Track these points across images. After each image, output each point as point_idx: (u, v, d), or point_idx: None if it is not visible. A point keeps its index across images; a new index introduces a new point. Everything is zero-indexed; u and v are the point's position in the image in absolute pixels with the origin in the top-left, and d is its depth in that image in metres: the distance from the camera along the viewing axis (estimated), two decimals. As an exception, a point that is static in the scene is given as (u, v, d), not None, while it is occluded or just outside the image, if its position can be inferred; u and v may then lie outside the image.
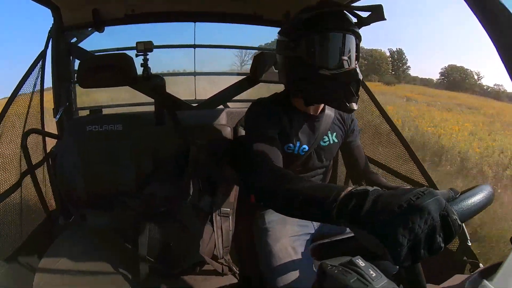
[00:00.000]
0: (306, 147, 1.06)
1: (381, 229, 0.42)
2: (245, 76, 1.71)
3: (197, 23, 1.81)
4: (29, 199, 1.42)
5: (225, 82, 1.75)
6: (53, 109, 1.59)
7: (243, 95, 1.77)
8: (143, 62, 1.49)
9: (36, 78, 1.51)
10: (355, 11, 0.90)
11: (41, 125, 1.57)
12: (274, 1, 1.59)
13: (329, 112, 1.10)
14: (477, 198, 0.53)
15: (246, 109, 1.05)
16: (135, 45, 1.49)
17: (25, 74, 1.40)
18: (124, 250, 1.06)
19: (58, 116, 1.54)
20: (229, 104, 1.88)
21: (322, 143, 1.10)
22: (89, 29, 1.70)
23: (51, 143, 1.55)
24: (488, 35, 0.71)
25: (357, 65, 0.93)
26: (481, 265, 0.98)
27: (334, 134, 1.13)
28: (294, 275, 0.98)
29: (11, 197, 1.22)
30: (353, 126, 1.17)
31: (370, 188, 0.48)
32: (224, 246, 1.14)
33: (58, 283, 1.03)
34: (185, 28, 1.84)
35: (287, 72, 0.98)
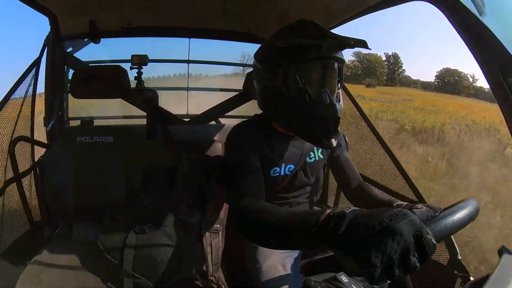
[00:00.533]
0: (292, 166, 1.06)
1: (355, 251, 0.44)
2: (237, 93, 1.74)
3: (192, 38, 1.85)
4: (13, 208, 1.39)
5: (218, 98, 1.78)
6: (44, 117, 1.58)
7: (236, 111, 1.79)
8: (137, 75, 1.51)
9: (29, 85, 1.51)
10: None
11: (30, 133, 1.55)
12: (268, 20, 1.64)
13: None
14: (457, 216, 0.53)
15: (248, 119, 1.06)
16: (130, 58, 1.51)
17: (17, 81, 1.39)
18: (110, 265, 1.05)
19: (50, 125, 1.52)
20: (221, 120, 1.91)
21: (308, 160, 1.10)
22: (85, 39, 1.71)
23: (39, 152, 1.53)
24: (471, 52, 0.77)
25: (339, 91, 0.91)
26: (471, 278, 0.98)
27: (320, 150, 1.13)
28: None
29: None
30: (339, 140, 1.15)
31: (347, 210, 0.50)
32: (214, 263, 1.14)
33: None
34: (180, 43, 1.87)
35: (264, 100, 0.97)
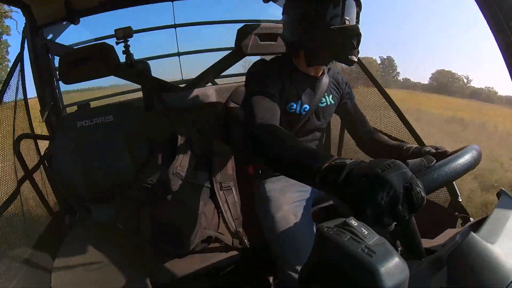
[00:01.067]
0: (307, 106, 1.08)
1: (350, 199, 0.48)
2: (230, 51, 1.65)
3: (175, 2, 1.73)
4: (31, 204, 1.40)
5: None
6: (40, 110, 1.55)
7: (231, 70, 1.72)
8: (124, 49, 1.43)
9: (18, 82, 1.46)
10: None
11: (30, 129, 1.53)
12: None
13: (327, 77, 1.14)
14: (452, 166, 0.54)
15: (235, 84, 1.02)
16: (114, 33, 1.43)
17: (5, 81, 1.36)
18: (130, 239, 1.07)
19: (45, 117, 1.49)
20: (217, 80, 1.83)
21: (320, 104, 1.13)
22: (64, 23, 1.63)
23: (43, 146, 1.51)
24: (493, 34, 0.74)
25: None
26: (471, 219, 1.03)
27: (331, 96, 1.16)
28: (297, 240, 1.01)
29: (13, 205, 1.21)
30: (347, 88, 1.21)
31: (348, 161, 0.53)
32: (235, 218, 1.14)
33: (75, 281, 1.04)
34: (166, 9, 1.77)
35: (294, 29, 1.02)
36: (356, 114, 1.21)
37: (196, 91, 1.63)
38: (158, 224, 1.06)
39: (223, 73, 1.73)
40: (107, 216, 1.16)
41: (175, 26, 1.86)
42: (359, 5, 1.01)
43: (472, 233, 0.49)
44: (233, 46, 1.52)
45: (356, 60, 0.97)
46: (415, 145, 0.99)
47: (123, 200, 1.13)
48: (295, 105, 1.07)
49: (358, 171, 0.49)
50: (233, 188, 1.17)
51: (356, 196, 0.47)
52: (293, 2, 1.03)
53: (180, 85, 1.67)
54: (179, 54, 1.92)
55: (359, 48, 0.96)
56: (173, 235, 1.05)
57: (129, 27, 1.44)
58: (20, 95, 1.48)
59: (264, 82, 0.98)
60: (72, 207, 1.36)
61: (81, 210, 1.29)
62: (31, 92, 1.56)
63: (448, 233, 0.69)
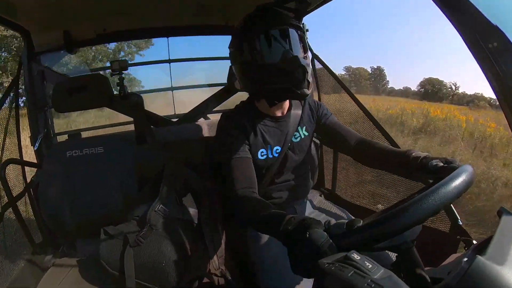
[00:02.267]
0: (278, 148, 1.10)
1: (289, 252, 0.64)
2: (222, 87, 1.71)
3: (171, 38, 1.80)
4: (13, 233, 1.37)
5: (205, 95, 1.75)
6: (29, 137, 1.55)
7: (223, 105, 1.76)
8: (118, 81, 1.47)
9: (10, 106, 1.47)
10: (287, 6, 1.01)
11: (19, 154, 1.52)
12: (245, 11, 1.61)
13: (296, 110, 1.14)
14: (369, 232, 0.54)
15: (235, 106, 1.08)
16: (109, 64, 1.47)
17: None
18: (115, 279, 1.03)
19: (37, 145, 1.49)
20: (209, 115, 1.87)
21: (294, 140, 1.13)
22: (62, 51, 1.67)
23: (30, 173, 1.50)
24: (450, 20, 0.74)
25: (306, 55, 1.00)
26: (474, 241, 0.99)
27: (304, 127, 1.16)
28: (289, 278, 0.99)
29: None
30: (321, 110, 1.20)
31: (291, 226, 0.66)
32: (218, 256, 1.13)
33: None
34: (160, 44, 1.83)
35: (242, 79, 1.06)
36: (341, 129, 1.16)
37: (188, 126, 1.65)
38: (142, 263, 1.03)
39: (216, 108, 1.77)
40: (91, 251, 1.12)
41: (169, 61, 1.92)
42: (299, 29, 0.99)
43: (479, 257, 0.46)
44: (225, 82, 1.58)
45: (308, 93, 0.97)
46: (416, 151, 0.92)
47: (107, 236, 1.10)
48: (265, 151, 1.07)
49: (292, 231, 0.65)
50: (220, 227, 1.16)
51: (289, 252, 0.64)
52: (232, 50, 1.06)
53: (172, 119, 1.70)
54: (172, 88, 1.97)
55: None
56: (158, 274, 1.02)
57: (125, 60, 1.48)
58: (13, 119, 1.49)
59: (231, 147, 1.02)
60: (56, 240, 1.33)
61: (65, 243, 1.26)
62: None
63: (452, 258, 0.67)
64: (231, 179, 0.97)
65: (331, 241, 0.56)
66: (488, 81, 0.71)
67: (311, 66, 1.00)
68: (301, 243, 0.60)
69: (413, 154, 0.89)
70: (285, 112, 1.11)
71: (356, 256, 0.44)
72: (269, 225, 0.76)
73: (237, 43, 1.03)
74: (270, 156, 1.08)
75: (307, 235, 0.59)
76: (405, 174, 0.98)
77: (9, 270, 1.27)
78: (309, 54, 1.05)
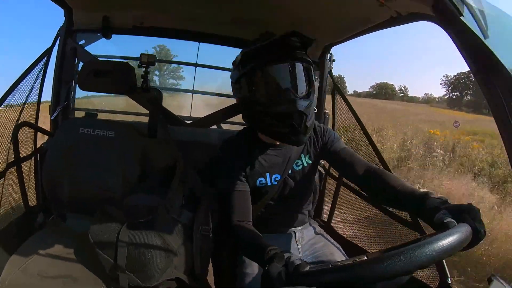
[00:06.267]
0: (278, 176, 1.09)
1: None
2: None
3: (201, 43, 1.88)
4: (11, 191, 1.42)
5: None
6: (49, 106, 1.62)
7: (238, 117, 1.80)
8: (143, 74, 1.54)
9: (38, 74, 1.54)
10: (292, 38, 0.90)
11: (35, 120, 1.58)
12: (275, 31, 1.66)
13: None
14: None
15: (238, 131, 1.10)
16: (139, 56, 1.54)
17: (28, 68, 1.42)
18: (99, 258, 1.05)
19: (55, 115, 1.56)
20: (222, 125, 1.93)
21: (295, 167, 1.12)
22: (97, 34, 1.75)
23: (41, 140, 1.56)
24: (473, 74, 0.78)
25: (311, 90, 0.94)
26: None
27: (308, 155, 1.13)
28: None
29: None
30: (328, 136, 1.14)
31: (272, 265, 0.69)
32: (203, 263, 1.14)
33: (26, 282, 1.01)
34: (190, 46, 1.91)
35: (242, 112, 1.06)
36: (348, 156, 1.09)
37: (200, 130, 1.70)
38: (129, 251, 1.03)
39: (229, 119, 1.82)
40: (80, 228, 1.15)
41: (196, 65, 2.00)
42: (304, 61, 0.92)
43: None
44: None
45: (304, 141, 0.95)
46: (433, 194, 0.82)
47: (102, 216, 1.13)
48: (264, 180, 1.08)
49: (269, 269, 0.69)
50: (210, 235, 1.15)
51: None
52: (232, 83, 1.04)
53: (186, 121, 1.76)
54: (193, 91, 2.04)
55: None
56: (140, 265, 1.03)
57: (154, 55, 1.55)
58: (37, 86, 1.56)
59: (229, 179, 1.05)
60: (49, 208, 1.38)
61: (56, 213, 1.31)
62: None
63: None
64: (227, 209, 1.03)
65: (281, 274, 0.65)
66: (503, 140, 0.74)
67: (314, 103, 0.96)
68: (264, 272, 0.69)
69: (428, 201, 0.78)
70: None
71: None
72: (256, 254, 0.84)
73: (235, 77, 0.99)
74: (269, 183, 1.09)
75: (266, 268, 0.69)
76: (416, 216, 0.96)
77: None
78: (316, 85, 0.98)
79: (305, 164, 1.13)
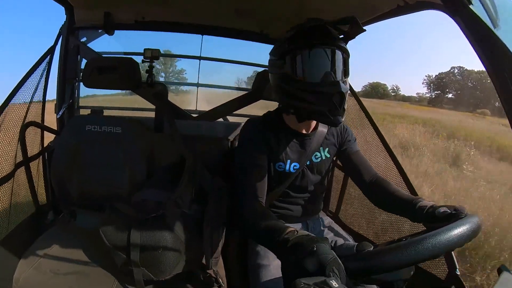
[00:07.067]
0: (297, 164, 1.10)
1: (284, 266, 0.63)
2: (247, 92, 1.75)
3: (204, 36, 1.85)
4: (21, 191, 1.42)
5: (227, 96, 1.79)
6: (55, 104, 1.62)
7: (243, 110, 1.79)
8: (148, 68, 1.53)
9: (42, 72, 1.53)
10: (338, 26, 0.97)
11: (41, 119, 1.58)
12: (280, 21, 1.64)
13: (322, 129, 1.13)
14: (376, 260, 0.55)
15: (263, 114, 1.09)
16: (142, 51, 1.53)
17: (31, 68, 1.42)
18: (110, 254, 1.05)
19: (60, 113, 1.55)
20: (228, 117, 1.91)
21: (314, 159, 1.13)
22: (99, 30, 1.74)
23: (48, 138, 1.56)
24: (483, 63, 0.76)
25: (346, 80, 0.96)
26: None
27: (327, 149, 1.16)
28: None
29: (3, 187, 1.23)
30: (346, 135, 1.19)
31: (291, 236, 0.65)
32: (214, 257, 1.14)
33: (39, 279, 1.02)
34: (193, 39, 1.89)
35: (277, 89, 1.03)
36: (358, 160, 1.15)
37: (206, 123, 1.69)
38: (141, 245, 1.04)
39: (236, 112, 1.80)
40: (90, 225, 1.15)
41: (200, 58, 1.97)
42: (344, 51, 0.95)
43: None
44: (251, 87, 1.62)
45: (341, 121, 0.94)
46: (424, 200, 0.92)
47: (112, 213, 1.13)
48: (283, 165, 1.08)
49: (296, 246, 0.62)
50: (221, 227, 1.16)
51: (285, 266, 0.62)
52: (272, 58, 1.03)
53: (192, 115, 1.75)
54: (198, 85, 2.02)
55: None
56: (151, 259, 1.04)
57: (157, 50, 1.54)
58: (42, 84, 1.56)
59: (252, 154, 1.03)
60: (59, 206, 1.38)
61: (66, 211, 1.31)
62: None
63: None
64: (242, 183, 0.99)
65: (339, 261, 0.54)
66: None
67: (349, 92, 0.98)
68: (303, 257, 0.56)
69: (420, 204, 0.89)
70: (311, 130, 1.11)
71: (334, 283, 0.45)
72: (269, 233, 0.74)
73: (280, 53, 0.99)
74: (287, 170, 1.09)
75: (314, 248, 0.56)
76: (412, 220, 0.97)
77: (10, 225, 1.30)
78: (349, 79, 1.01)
79: (324, 158, 1.15)
